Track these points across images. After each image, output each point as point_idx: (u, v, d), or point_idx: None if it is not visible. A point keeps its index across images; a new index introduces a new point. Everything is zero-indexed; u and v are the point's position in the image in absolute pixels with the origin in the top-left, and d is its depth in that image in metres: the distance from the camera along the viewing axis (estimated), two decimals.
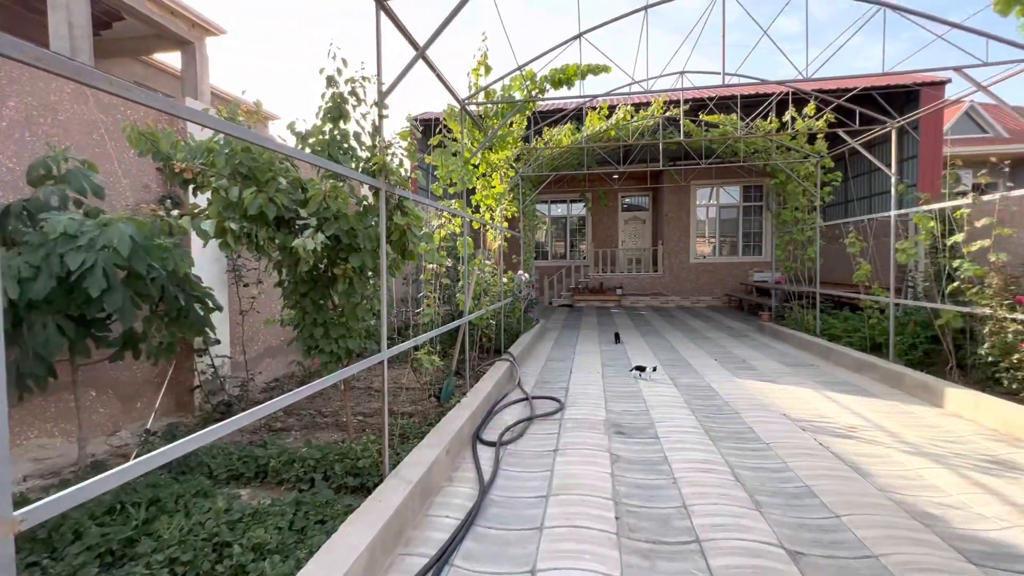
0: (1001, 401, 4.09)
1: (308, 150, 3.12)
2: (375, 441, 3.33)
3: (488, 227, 6.90)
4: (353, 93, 3.20)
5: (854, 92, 6.73)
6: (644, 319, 11.85)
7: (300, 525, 2.46)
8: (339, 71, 3.12)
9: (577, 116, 9.33)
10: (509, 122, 5.80)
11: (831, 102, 6.83)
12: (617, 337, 7.12)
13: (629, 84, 5.51)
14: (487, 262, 6.95)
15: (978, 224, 4.51)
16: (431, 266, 5.04)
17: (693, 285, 15.02)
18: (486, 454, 3.69)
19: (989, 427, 4.10)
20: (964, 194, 5.17)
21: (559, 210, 17.53)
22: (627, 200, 17.27)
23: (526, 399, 5.03)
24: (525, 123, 7.77)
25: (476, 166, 5.68)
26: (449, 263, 5.69)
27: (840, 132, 6.98)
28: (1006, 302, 4.13)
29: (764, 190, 14.52)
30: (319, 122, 3.16)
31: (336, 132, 3.17)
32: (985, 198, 4.62)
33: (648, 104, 8.72)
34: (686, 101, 8.45)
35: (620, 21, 4.76)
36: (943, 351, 5.32)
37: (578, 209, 17.23)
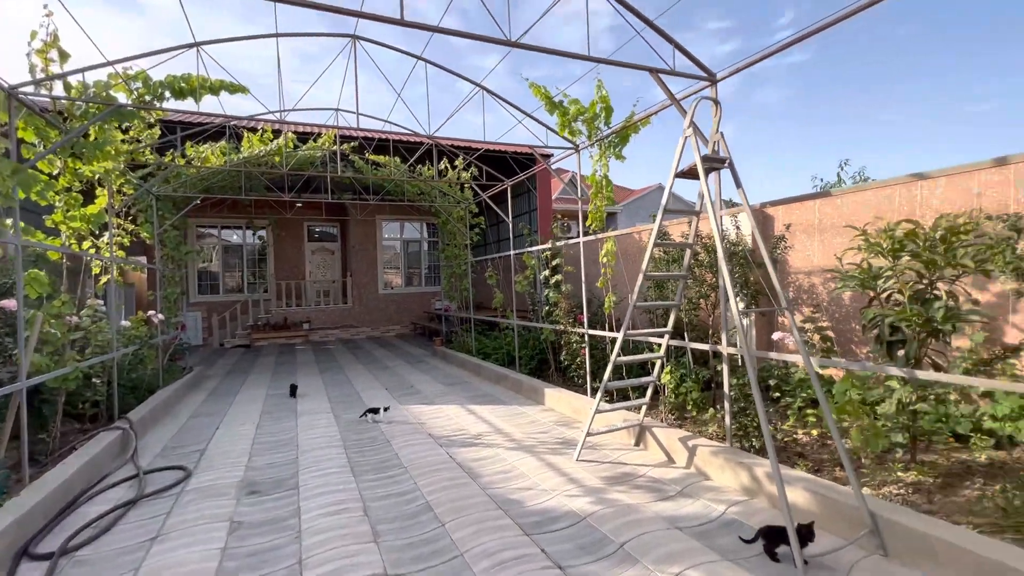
0: (570, 393, 5.55)
1: None
2: None
3: (92, 257, 5.33)
4: None
5: (480, 152, 8.24)
6: (330, 354, 11.41)
7: None
8: None
9: (237, 135, 8.38)
10: (109, 126, 4.65)
11: (471, 156, 8.18)
12: (293, 390, 6.53)
13: (277, 112, 5.24)
14: (95, 301, 5.34)
15: (554, 263, 6.10)
16: None
17: (383, 315, 15.45)
18: (36, 574, 2.67)
19: (567, 415, 5.47)
20: (563, 239, 6.94)
21: (234, 237, 15.39)
22: (317, 230, 16.59)
23: (136, 476, 3.98)
24: (158, 134, 6.47)
25: (53, 177, 4.29)
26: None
27: (473, 185, 8.48)
28: (570, 320, 5.69)
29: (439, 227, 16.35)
30: None
31: None
32: (559, 243, 6.30)
33: (319, 135, 8.58)
34: (355, 139, 8.70)
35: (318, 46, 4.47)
36: (549, 360, 6.92)
37: (255, 238, 15.50)
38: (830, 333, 5.23)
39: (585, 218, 5.21)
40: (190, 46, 4.09)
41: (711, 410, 4.57)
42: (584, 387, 5.73)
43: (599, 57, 3.77)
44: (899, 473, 3.46)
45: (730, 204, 3.49)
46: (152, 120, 5.87)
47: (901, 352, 3.57)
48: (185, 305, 11.22)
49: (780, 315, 6.27)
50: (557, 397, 5.71)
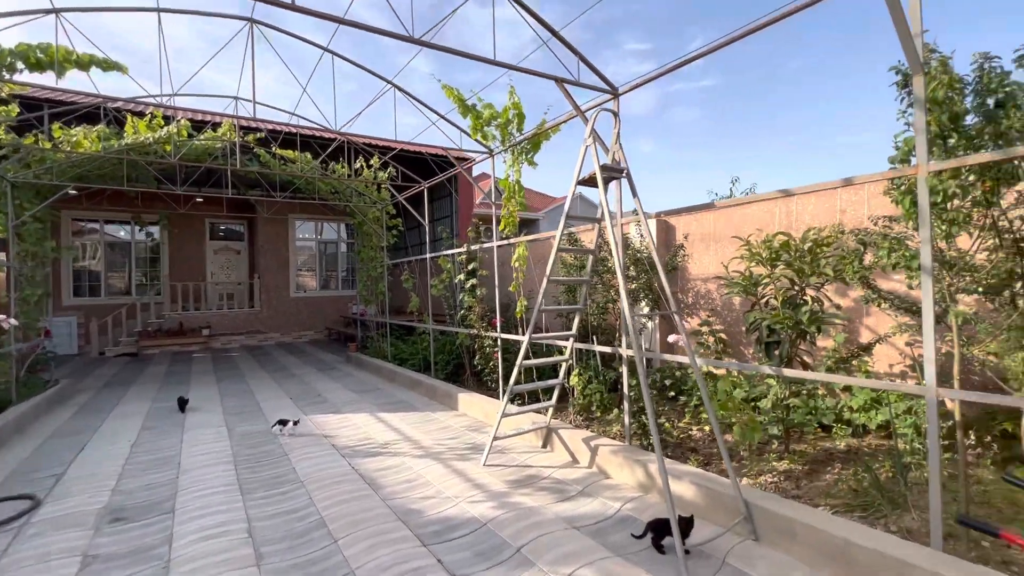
0: (483, 397, 5.53)
1: None
2: None
3: None
4: None
5: (397, 152, 8.05)
6: (231, 362, 10.53)
7: None
8: None
9: (119, 119, 7.50)
10: None
11: (387, 156, 7.94)
12: (182, 403, 5.85)
13: (161, 95, 4.73)
14: None
15: (469, 267, 6.07)
16: None
17: (294, 320, 14.57)
18: None
19: (479, 420, 5.44)
20: (478, 243, 6.90)
21: (122, 233, 13.78)
22: (222, 228, 15.31)
23: None
24: (15, 112, 5.64)
25: None
26: None
27: (389, 186, 8.26)
28: (484, 324, 5.68)
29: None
30: None
31: None
32: (474, 247, 6.28)
33: (219, 124, 7.91)
34: (260, 130, 8.12)
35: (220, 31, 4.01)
36: (465, 364, 6.86)
37: (145, 235, 14.00)
38: (724, 336, 5.64)
39: (499, 222, 5.23)
40: (48, 11, 3.58)
41: (616, 410, 4.75)
42: (497, 391, 5.73)
43: (505, 62, 3.80)
44: (774, 463, 3.79)
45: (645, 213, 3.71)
46: (4, 94, 5.09)
47: (777, 352, 3.92)
48: (52, 308, 9.85)
49: (681, 318, 6.70)
50: (470, 402, 5.66)
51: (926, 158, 2.27)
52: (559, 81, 3.88)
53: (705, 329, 5.72)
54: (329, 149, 7.59)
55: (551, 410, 4.44)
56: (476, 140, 5.17)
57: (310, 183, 9.48)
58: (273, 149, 8.09)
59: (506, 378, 5.54)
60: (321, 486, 3.74)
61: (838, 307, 4.63)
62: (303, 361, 10.27)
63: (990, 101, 2.40)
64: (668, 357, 3.63)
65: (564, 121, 4.63)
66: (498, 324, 5.49)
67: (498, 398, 5.55)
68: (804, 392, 4.56)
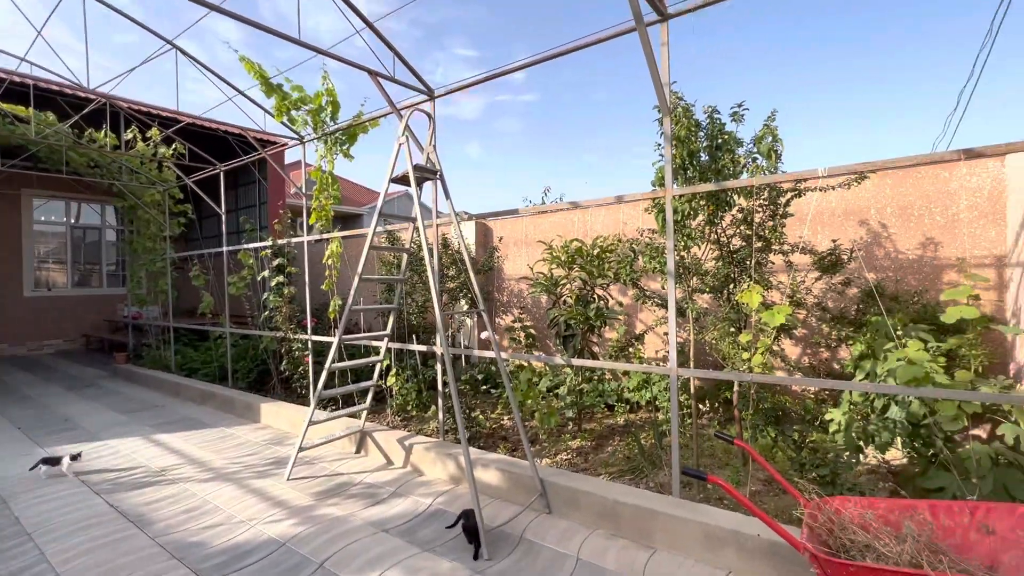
0: (291, 406, 5.08)
1: None
2: None
3: None
4: None
5: (183, 125, 6.85)
6: None
7: None
8: None
9: None
10: None
11: (172, 130, 6.69)
12: None
13: None
14: None
15: (276, 263, 5.50)
16: None
17: (33, 326, 11.28)
18: None
19: (285, 431, 4.97)
20: (286, 238, 6.24)
21: None
22: None
23: None
24: None
25: None
26: None
27: (171, 165, 6.99)
28: (292, 326, 5.21)
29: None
30: None
31: None
32: (281, 241, 5.71)
33: None
34: None
35: None
36: (271, 371, 6.18)
37: None
38: (533, 331, 6.15)
39: (309, 215, 4.85)
40: None
41: (433, 408, 4.82)
42: (308, 398, 5.31)
43: (313, 45, 3.54)
44: (569, 442, 4.29)
45: (467, 215, 3.78)
46: None
47: (572, 344, 4.45)
48: None
49: (496, 316, 7.12)
50: (275, 412, 5.13)
51: (671, 183, 2.83)
52: (373, 75, 3.76)
53: (518, 325, 6.17)
54: (84, 111, 6.03)
55: (365, 413, 4.29)
56: (283, 123, 4.70)
57: (55, 151, 7.43)
58: None
59: (318, 384, 5.17)
60: (60, 535, 2.98)
61: (621, 304, 5.47)
62: (44, 379, 8.02)
63: (713, 144, 3.10)
64: (478, 353, 3.81)
65: (381, 116, 4.51)
66: (309, 325, 5.08)
67: (308, 406, 5.15)
68: (595, 378, 5.27)
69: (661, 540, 2.69)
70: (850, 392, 3.36)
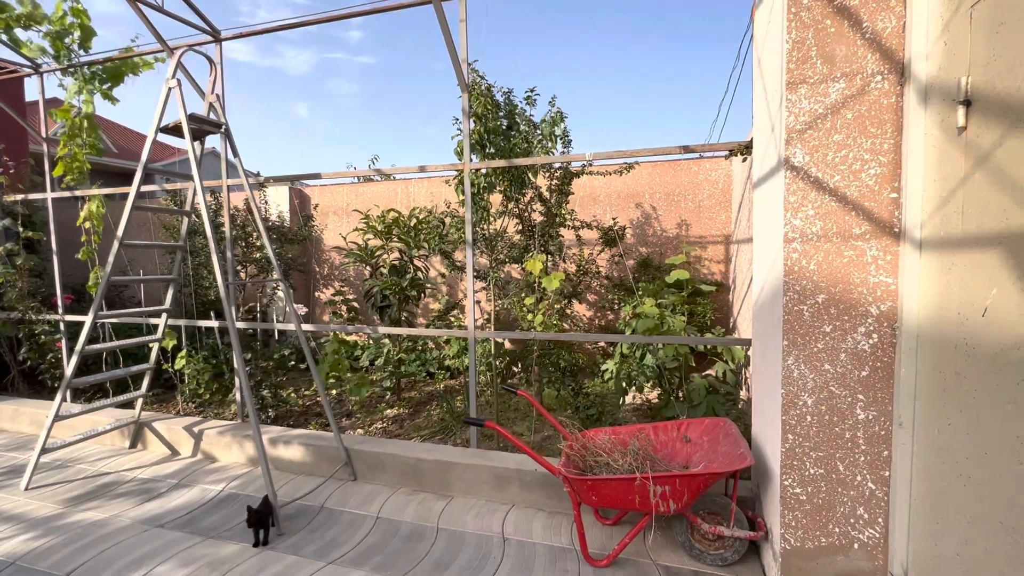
0: (35, 403, 4.14)
1: None
2: None
3: None
4: None
5: None
6: None
7: None
8: None
9: None
10: None
11: None
12: None
13: None
14: None
15: (3, 223, 4.32)
16: None
17: None
18: None
19: (25, 434, 4.04)
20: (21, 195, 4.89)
21: None
22: None
23: None
24: None
25: None
26: None
27: None
28: (34, 304, 4.19)
29: None
30: None
31: None
32: (14, 198, 4.50)
33: None
34: None
35: None
36: (8, 363, 4.90)
37: None
38: (355, 304, 5.96)
39: (53, 167, 3.92)
40: None
41: (235, 390, 4.38)
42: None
43: None
44: (385, 412, 4.33)
45: (258, 176, 3.32)
46: None
47: (388, 315, 4.44)
48: None
49: (316, 290, 6.72)
50: (12, 413, 4.12)
51: (469, 157, 2.97)
52: (134, 1, 3.14)
53: (339, 299, 5.92)
54: None
55: (140, 401, 3.71)
56: (4, 43, 3.65)
57: None
58: None
59: (87, 372, 4.28)
60: None
61: (444, 275, 5.61)
62: None
63: (509, 124, 3.34)
64: (280, 326, 3.57)
65: (151, 53, 3.80)
66: (60, 303, 4.14)
67: (66, 400, 4.24)
68: (418, 348, 5.36)
69: (459, 488, 2.91)
70: (621, 345, 4.03)
